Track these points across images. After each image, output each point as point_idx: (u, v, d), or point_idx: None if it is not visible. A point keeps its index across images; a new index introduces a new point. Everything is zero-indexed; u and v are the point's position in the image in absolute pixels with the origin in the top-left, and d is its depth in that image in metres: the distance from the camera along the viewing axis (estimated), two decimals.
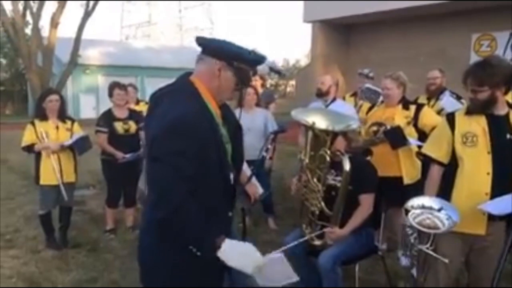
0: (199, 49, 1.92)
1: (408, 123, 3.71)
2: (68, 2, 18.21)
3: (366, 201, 3.07)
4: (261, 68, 2.65)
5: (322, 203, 2.92)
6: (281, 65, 57.29)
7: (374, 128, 3.87)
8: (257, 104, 5.06)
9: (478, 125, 2.45)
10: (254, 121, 4.80)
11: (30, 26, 18.33)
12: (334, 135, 2.84)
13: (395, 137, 3.56)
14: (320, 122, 2.79)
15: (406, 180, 3.71)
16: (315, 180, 2.87)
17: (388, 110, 3.92)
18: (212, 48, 1.86)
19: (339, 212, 2.90)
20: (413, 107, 3.81)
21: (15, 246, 4.62)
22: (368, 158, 3.87)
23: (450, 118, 2.56)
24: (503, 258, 2.18)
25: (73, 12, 24.47)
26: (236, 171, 2.04)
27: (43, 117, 4.43)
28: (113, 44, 30.12)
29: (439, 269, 2.57)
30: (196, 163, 1.72)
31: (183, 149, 1.70)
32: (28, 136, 4.39)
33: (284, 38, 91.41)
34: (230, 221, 2.03)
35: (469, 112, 2.50)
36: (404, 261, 3.06)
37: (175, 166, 1.69)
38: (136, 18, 47.88)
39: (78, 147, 4.46)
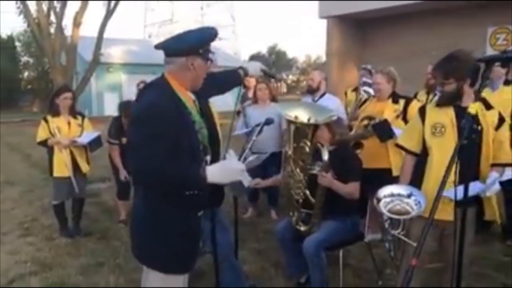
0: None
1: (397, 117, 3.83)
2: (91, 1, 18.73)
3: (352, 187, 3.22)
4: (253, 71, 2.84)
5: (307, 192, 3.10)
6: (303, 61, 57.52)
7: (365, 122, 4.01)
8: (273, 99, 5.20)
9: (447, 116, 2.58)
10: (268, 115, 4.95)
11: (54, 26, 18.86)
12: (315, 127, 2.99)
13: (382, 130, 3.69)
14: (302, 115, 2.95)
15: (395, 172, 3.82)
16: (298, 170, 3.03)
17: (378, 104, 4.05)
18: (175, 50, 2.07)
19: (320, 200, 3.06)
20: (402, 101, 3.93)
21: (31, 234, 4.95)
22: (359, 151, 4.02)
23: (422, 110, 2.71)
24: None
25: (96, 11, 25.06)
26: (213, 153, 2.24)
27: (56, 113, 4.70)
28: (136, 42, 30.67)
29: (412, 252, 2.71)
30: (165, 143, 1.94)
31: (152, 133, 1.93)
32: (41, 132, 4.68)
33: (306, 34, 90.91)
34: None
35: (438, 104, 2.63)
36: (388, 246, 3.22)
37: (146, 147, 1.92)
38: (159, 16, 48.62)
39: (90, 146, 4.77)
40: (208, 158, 2.18)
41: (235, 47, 48.76)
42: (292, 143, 3.04)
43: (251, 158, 2.99)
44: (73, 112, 4.80)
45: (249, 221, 5.16)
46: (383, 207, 2.58)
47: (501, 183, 4.11)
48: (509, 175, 3.93)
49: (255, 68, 2.83)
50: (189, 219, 2.14)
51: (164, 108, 1.97)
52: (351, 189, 3.17)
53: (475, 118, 1.94)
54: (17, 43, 35.31)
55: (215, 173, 1.96)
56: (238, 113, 5.10)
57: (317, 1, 13.14)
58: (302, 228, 3.18)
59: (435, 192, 2.54)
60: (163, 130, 1.94)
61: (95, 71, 22.01)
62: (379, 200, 2.59)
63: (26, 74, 37.23)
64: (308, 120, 2.93)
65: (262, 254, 4.15)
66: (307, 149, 2.93)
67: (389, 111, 3.90)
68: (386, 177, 3.78)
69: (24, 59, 36.44)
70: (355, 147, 4.00)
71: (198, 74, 2.09)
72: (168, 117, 1.96)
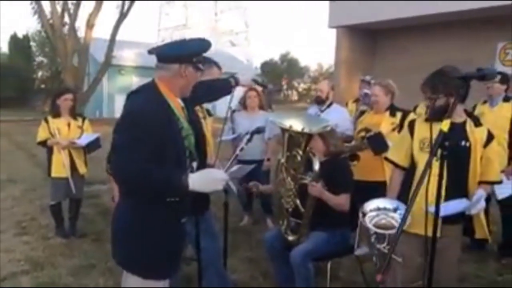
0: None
1: (393, 129, 3.80)
2: (104, 3, 18.94)
3: (343, 199, 3.20)
4: (244, 80, 2.87)
5: (298, 201, 3.09)
6: (315, 69, 57.51)
7: (362, 133, 4.00)
8: (261, 107, 5.23)
9: (435, 132, 2.56)
10: (255, 124, 4.97)
11: (67, 27, 19.08)
12: (309, 136, 2.99)
13: (376, 143, 3.67)
14: (296, 125, 2.95)
15: None
16: (289, 179, 3.03)
17: (376, 116, 4.04)
18: (169, 57, 2.11)
19: (310, 210, 3.04)
20: (399, 114, 3.91)
21: (28, 233, 4.97)
22: (355, 163, 4.00)
23: (411, 125, 2.69)
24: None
25: (110, 13, 25.36)
26: (200, 160, 2.26)
27: (56, 114, 4.75)
28: (149, 46, 30.08)
29: (397, 268, 2.68)
30: (149, 148, 1.95)
31: (137, 136, 1.94)
32: (42, 132, 4.73)
33: (318, 43, 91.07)
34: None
35: (427, 119, 2.61)
36: (375, 260, 3.19)
37: (130, 149, 1.93)
38: (173, 21, 48.97)
39: (88, 147, 4.81)
40: (195, 164, 2.20)
41: (247, 53, 48.93)
42: (285, 152, 3.04)
43: (234, 168, 2.99)
44: (74, 113, 4.84)
45: (243, 229, 5.15)
46: (369, 221, 2.56)
47: (499, 201, 4.09)
48: (506, 192, 3.89)
49: (246, 78, 2.86)
50: (171, 225, 2.13)
51: (151, 112, 1.99)
52: (341, 200, 3.15)
53: (446, 135, 1.94)
54: (32, 43, 35.78)
55: (196, 181, 1.96)
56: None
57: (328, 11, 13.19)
58: (291, 238, 3.17)
59: (421, 207, 2.54)
60: (149, 134, 1.95)
61: (107, 73, 22.24)
62: (364, 214, 2.57)
63: (40, 73, 37.71)
64: (302, 129, 2.93)
65: (252, 263, 4.13)
66: (299, 158, 2.93)
67: (386, 124, 3.88)
68: (381, 190, 3.75)
69: (39, 59, 36.92)
70: (351, 159, 3.99)
71: (189, 81, 2.14)
72: (154, 122, 1.97)
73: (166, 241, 2.12)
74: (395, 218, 2.53)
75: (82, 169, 4.87)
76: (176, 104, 2.14)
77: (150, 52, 2.15)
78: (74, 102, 4.83)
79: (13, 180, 7.61)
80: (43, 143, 4.77)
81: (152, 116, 1.98)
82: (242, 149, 2.92)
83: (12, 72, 31.39)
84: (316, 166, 2.95)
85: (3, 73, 29.75)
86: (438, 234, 2.58)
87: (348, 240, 3.38)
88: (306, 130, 2.90)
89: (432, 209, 2.46)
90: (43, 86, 35.77)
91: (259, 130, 3.12)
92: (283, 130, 3.00)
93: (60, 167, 4.72)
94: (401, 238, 2.61)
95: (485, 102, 4.45)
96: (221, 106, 3.01)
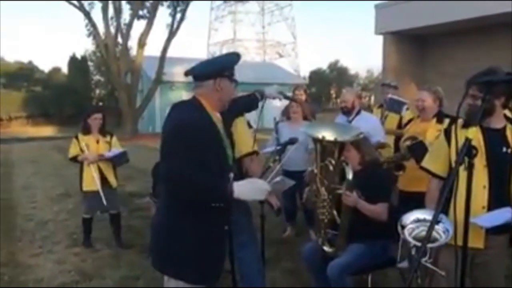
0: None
1: (438, 137, 3.66)
2: (155, 22, 19.66)
3: (380, 208, 3.12)
4: (270, 94, 2.91)
5: (334, 212, 3.03)
6: (365, 77, 56.64)
7: (408, 142, 3.86)
8: (305, 117, 5.19)
9: (474, 139, 2.43)
10: (298, 134, 4.95)
11: (120, 47, 19.94)
12: (341, 146, 2.94)
13: (419, 152, 3.53)
14: (328, 135, 2.91)
15: None
16: (323, 189, 2.98)
17: (422, 124, 3.91)
18: (203, 74, 2.24)
19: (346, 221, 2.98)
20: (447, 121, 3.75)
21: (79, 244, 5.18)
22: (400, 173, 3.88)
23: (447, 132, 2.56)
24: None
25: (161, 32, 26.30)
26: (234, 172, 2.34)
27: (87, 131, 5.01)
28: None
29: (440, 281, 2.56)
30: (196, 154, 2.07)
31: (184, 144, 2.06)
32: (73, 149, 5.01)
33: (368, 50, 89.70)
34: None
35: (466, 124, 2.48)
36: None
37: (178, 157, 2.06)
38: (222, 36, 50.01)
39: (116, 160, 5.01)
40: (232, 175, 2.27)
41: (295, 64, 49.00)
42: (318, 162, 3.00)
43: (277, 179, 2.98)
44: (103, 131, 5.08)
45: (286, 240, 5.11)
46: (408, 234, 2.46)
47: None
48: None
49: (272, 90, 2.90)
50: (214, 231, 2.21)
51: (197, 123, 2.13)
52: (378, 209, 3.06)
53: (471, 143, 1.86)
54: (89, 63, 37.70)
55: (241, 189, 2.07)
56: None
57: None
58: (328, 249, 3.10)
59: (461, 219, 2.41)
60: (195, 143, 2.07)
61: (159, 89, 22.97)
62: (403, 227, 2.47)
63: (97, 92, 39.59)
64: (335, 139, 2.89)
65: (294, 275, 4.08)
66: (331, 168, 2.88)
67: (432, 131, 3.73)
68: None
69: (96, 77, 38.82)
70: (396, 169, 3.88)
71: (225, 94, 2.26)
72: (200, 132, 2.10)
73: (209, 246, 2.20)
74: (438, 230, 2.41)
75: (113, 182, 5.04)
76: (217, 117, 2.26)
77: (187, 74, 2.29)
78: (103, 121, 5.07)
79: (68, 194, 7.99)
80: (74, 159, 5.01)
81: (198, 126, 2.11)
82: (275, 160, 2.91)
83: (71, 91, 33.16)
84: (350, 175, 2.89)
85: (64, 93, 31.48)
86: (481, 246, 2.47)
87: (389, 252, 3.27)
88: (339, 139, 2.85)
89: (474, 220, 2.35)
90: (100, 103, 37.50)
91: (292, 141, 3.10)
92: (315, 140, 2.97)
93: (90, 181, 4.93)
94: (444, 251, 2.51)
95: None
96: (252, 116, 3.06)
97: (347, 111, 4.50)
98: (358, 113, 4.48)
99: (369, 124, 4.24)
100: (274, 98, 2.95)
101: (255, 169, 3.08)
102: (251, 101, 2.87)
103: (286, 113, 5.31)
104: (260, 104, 2.89)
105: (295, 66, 47.70)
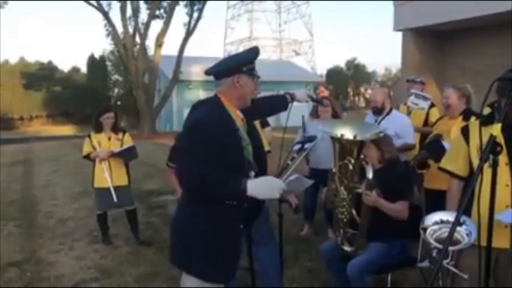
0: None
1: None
2: (172, 21, 19.78)
3: (400, 206, 3.08)
4: (300, 96, 2.87)
5: (353, 211, 3.00)
6: (383, 74, 56.07)
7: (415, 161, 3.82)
8: (334, 115, 5.12)
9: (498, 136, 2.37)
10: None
11: (138, 47, 20.11)
12: (361, 144, 2.90)
13: (433, 150, 3.47)
14: (347, 133, 2.88)
15: None
16: (342, 188, 2.95)
17: (449, 122, 3.87)
18: (221, 72, 2.25)
19: (365, 220, 2.94)
20: (473, 118, 3.68)
21: (99, 241, 5.24)
22: (424, 171, 3.84)
23: (465, 130, 2.50)
24: None
25: (178, 31, 26.48)
26: (258, 170, 2.34)
27: (99, 130, 5.07)
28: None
29: (462, 282, 2.51)
30: (212, 152, 2.07)
31: (199, 141, 2.08)
32: (85, 147, 5.08)
33: (386, 47, 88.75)
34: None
35: (484, 121, 2.42)
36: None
37: (191, 154, 2.07)
38: (239, 34, 50.09)
39: (125, 156, 5.04)
40: (253, 173, 2.27)
41: (312, 61, 48.79)
42: (337, 161, 2.97)
43: (292, 177, 2.95)
44: (116, 129, 5.12)
45: (304, 238, 5.09)
46: (430, 235, 2.41)
47: None
48: None
49: (302, 94, 2.87)
50: (229, 229, 2.22)
51: (214, 120, 2.13)
52: (399, 207, 3.02)
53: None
54: (107, 63, 38.12)
55: (255, 186, 2.06)
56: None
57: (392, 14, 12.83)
58: (347, 249, 3.07)
59: (486, 219, 2.35)
60: (211, 140, 2.08)
61: (176, 88, 23.10)
62: (425, 229, 2.43)
63: (116, 91, 40.01)
64: (354, 137, 2.85)
65: (312, 273, 4.06)
66: (351, 167, 2.85)
67: (457, 129, 3.67)
68: None
69: (114, 77, 39.24)
70: (420, 167, 3.83)
71: (245, 90, 2.26)
72: (217, 129, 2.10)
73: (223, 244, 2.21)
74: (460, 232, 2.36)
75: (123, 180, 5.07)
76: (236, 115, 2.26)
77: (207, 73, 2.30)
78: (115, 119, 5.12)
79: (88, 192, 8.07)
80: (87, 157, 5.08)
81: (215, 123, 2.12)
82: (293, 158, 2.89)
83: (90, 90, 33.58)
84: (369, 174, 2.85)
85: (83, 92, 31.90)
86: (507, 245, 2.41)
87: (409, 251, 3.23)
88: (359, 138, 2.82)
89: (499, 217, 2.30)
90: (119, 102, 37.90)
91: (311, 139, 3.08)
92: (333, 139, 2.93)
93: (101, 178, 4.99)
94: (467, 251, 2.45)
95: None
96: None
97: (377, 111, 4.44)
98: (388, 112, 4.42)
99: (398, 125, 4.19)
100: (303, 101, 2.90)
101: (270, 168, 3.06)
102: (279, 103, 2.77)
103: (314, 114, 5.23)
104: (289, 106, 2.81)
105: (312, 64, 47.55)
